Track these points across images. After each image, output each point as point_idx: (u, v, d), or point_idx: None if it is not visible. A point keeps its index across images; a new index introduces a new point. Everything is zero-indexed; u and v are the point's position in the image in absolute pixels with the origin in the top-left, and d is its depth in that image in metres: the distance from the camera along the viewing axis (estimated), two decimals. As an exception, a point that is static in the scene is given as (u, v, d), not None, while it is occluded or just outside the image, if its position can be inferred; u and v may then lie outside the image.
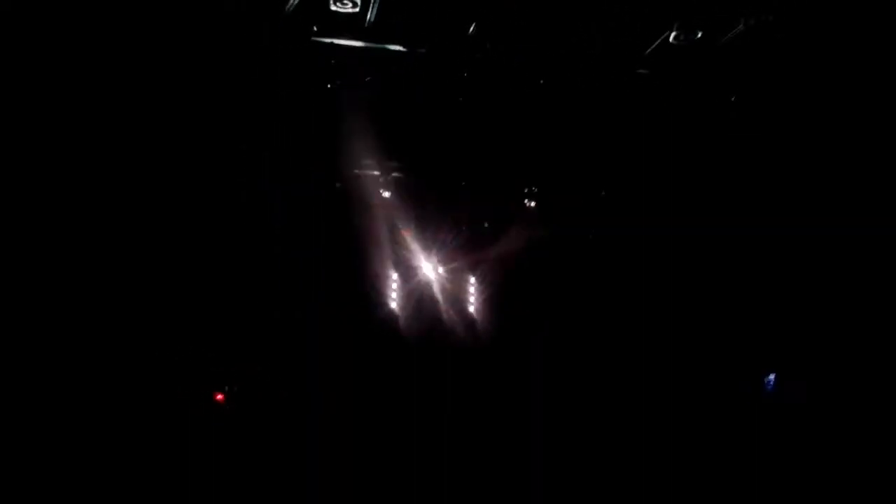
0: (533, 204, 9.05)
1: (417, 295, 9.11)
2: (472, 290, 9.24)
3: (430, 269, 9.13)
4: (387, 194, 8.86)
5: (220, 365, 8.39)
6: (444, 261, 9.15)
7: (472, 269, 9.23)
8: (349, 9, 6.61)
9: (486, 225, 9.19)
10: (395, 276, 9.10)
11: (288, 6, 6.70)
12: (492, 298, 9.19)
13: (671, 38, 6.89)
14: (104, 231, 8.09)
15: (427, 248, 9.05)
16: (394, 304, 9.06)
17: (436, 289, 9.12)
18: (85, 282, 7.98)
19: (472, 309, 9.20)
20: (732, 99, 7.91)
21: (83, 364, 7.80)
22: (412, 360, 8.75)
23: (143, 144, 8.12)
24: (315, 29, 7.07)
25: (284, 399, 8.36)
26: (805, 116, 7.99)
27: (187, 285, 8.35)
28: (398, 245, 8.97)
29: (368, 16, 6.78)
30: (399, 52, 7.27)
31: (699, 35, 6.87)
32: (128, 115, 7.99)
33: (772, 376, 8.51)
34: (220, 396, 8.35)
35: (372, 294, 8.98)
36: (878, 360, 8.06)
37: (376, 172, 8.77)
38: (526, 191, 9.08)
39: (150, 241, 8.24)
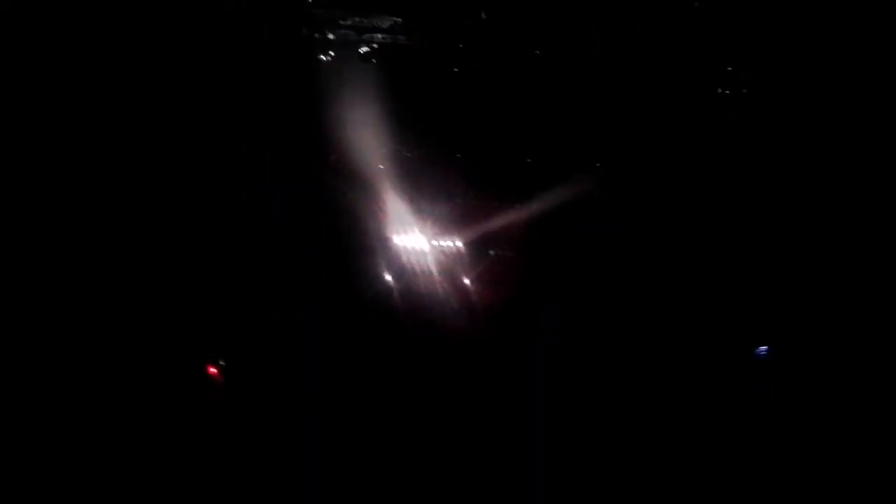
0: (529, 176, 8.91)
1: (413, 271, 9.04)
2: (468, 265, 9.15)
3: (425, 243, 9.05)
4: (382, 167, 8.80)
5: (221, 365, 8.39)
6: (439, 235, 9.06)
7: (468, 243, 9.15)
8: None
9: (481, 198, 9.06)
10: (390, 251, 9.01)
11: None
12: (489, 274, 9.11)
13: None
14: (104, 231, 8.11)
15: (422, 221, 8.98)
16: (389, 281, 8.98)
17: (431, 264, 9.05)
18: (85, 282, 8.00)
19: (468, 286, 9.10)
20: (728, 69, 7.81)
21: (83, 364, 7.82)
22: (412, 356, 8.73)
23: (143, 144, 8.13)
24: (310, 1, 7.10)
25: (284, 399, 8.35)
26: (804, 109, 7.98)
27: (187, 285, 8.36)
28: (392, 218, 8.89)
29: None
30: (395, 22, 7.29)
31: None
32: (128, 116, 8.02)
33: (764, 348, 8.50)
34: (212, 370, 8.36)
35: (369, 277, 8.92)
36: (879, 360, 8.07)
37: (372, 145, 8.73)
38: (523, 163, 8.94)
39: (150, 241, 8.25)
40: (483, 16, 7.13)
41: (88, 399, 7.77)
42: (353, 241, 8.84)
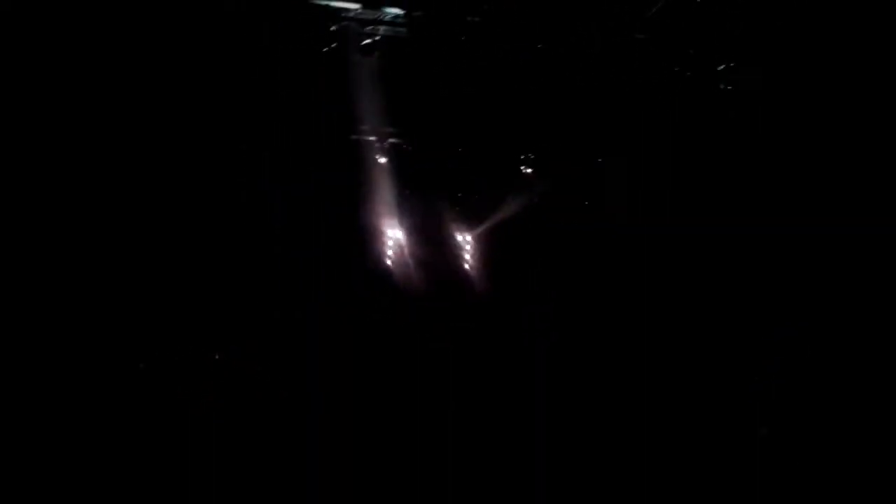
0: (530, 171, 8.92)
1: (414, 264, 9.02)
2: (468, 258, 9.09)
3: (425, 235, 9.01)
4: (383, 160, 8.76)
5: (221, 365, 8.39)
6: (440, 228, 9.00)
7: (469, 237, 9.10)
8: None
9: (482, 192, 9.03)
10: (391, 243, 9.00)
11: None
12: (488, 268, 9.06)
13: None
14: (105, 231, 8.10)
15: (423, 215, 8.92)
16: (390, 270, 8.96)
17: (430, 257, 9.03)
18: (85, 282, 7.99)
19: (468, 277, 9.08)
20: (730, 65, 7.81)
21: (84, 364, 7.81)
22: (413, 356, 8.72)
23: (143, 144, 8.13)
24: None
25: (284, 399, 8.34)
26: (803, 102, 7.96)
27: (188, 285, 8.36)
28: (391, 212, 8.84)
29: None
30: (396, 15, 7.26)
31: None
32: (128, 116, 8.01)
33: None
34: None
35: (369, 272, 8.90)
36: (880, 359, 8.05)
37: (372, 138, 8.68)
38: (522, 157, 8.96)
39: (150, 241, 8.25)
40: (486, 7, 7.07)
41: (87, 399, 7.76)
42: (353, 238, 8.83)
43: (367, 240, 8.91)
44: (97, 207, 8.04)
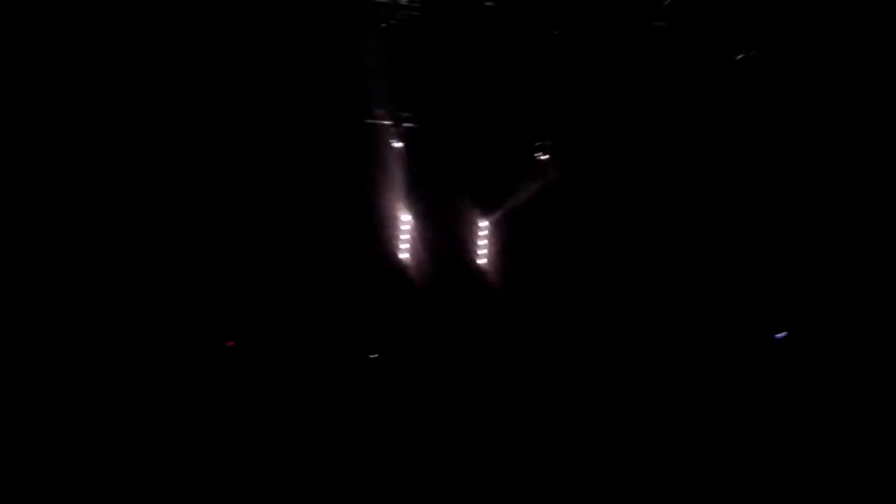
0: (546, 156, 8.81)
1: (425, 253, 8.89)
2: (481, 243, 8.94)
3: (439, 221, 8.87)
4: (398, 144, 8.68)
5: (220, 364, 8.39)
6: (454, 214, 8.87)
7: (484, 222, 8.98)
8: None
9: (498, 177, 8.88)
10: (403, 231, 8.84)
11: None
12: (503, 255, 8.93)
13: None
14: (105, 231, 8.11)
15: (438, 200, 8.80)
16: (401, 260, 8.84)
17: (443, 244, 8.89)
18: (85, 283, 8.00)
19: (481, 263, 8.92)
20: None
21: (85, 362, 7.82)
22: (411, 355, 8.71)
23: (144, 144, 8.15)
24: None
25: (284, 398, 8.34)
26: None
27: (188, 285, 8.36)
28: (407, 196, 8.71)
29: None
30: None
31: None
32: (129, 115, 8.04)
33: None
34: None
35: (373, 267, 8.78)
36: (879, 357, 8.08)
37: (388, 122, 8.58)
38: (538, 143, 8.84)
39: (150, 241, 8.26)
40: None
41: (86, 399, 7.76)
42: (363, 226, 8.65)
43: (378, 228, 8.76)
44: (97, 207, 8.05)
